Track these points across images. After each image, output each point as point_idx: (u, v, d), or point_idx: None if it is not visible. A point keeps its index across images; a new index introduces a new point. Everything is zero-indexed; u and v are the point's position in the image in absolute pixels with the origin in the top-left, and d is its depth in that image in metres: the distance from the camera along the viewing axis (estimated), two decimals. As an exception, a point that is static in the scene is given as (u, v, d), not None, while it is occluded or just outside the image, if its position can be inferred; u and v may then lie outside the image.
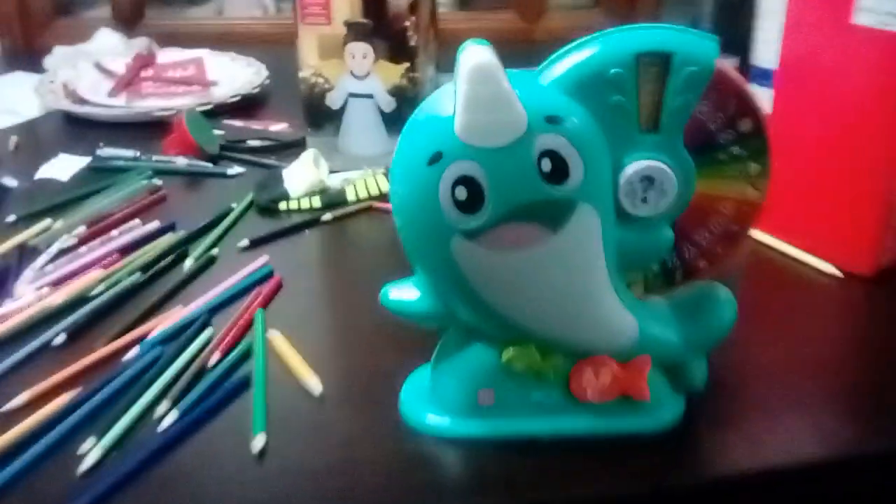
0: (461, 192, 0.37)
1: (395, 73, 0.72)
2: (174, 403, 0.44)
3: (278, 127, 0.87)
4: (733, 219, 0.40)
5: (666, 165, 0.38)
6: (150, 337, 0.51)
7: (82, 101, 0.91)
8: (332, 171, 0.73)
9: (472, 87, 0.35)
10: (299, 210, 0.69)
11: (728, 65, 0.38)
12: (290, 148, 0.80)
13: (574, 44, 0.37)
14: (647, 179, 0.38)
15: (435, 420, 0.43)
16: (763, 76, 0.85)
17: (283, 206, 0.69)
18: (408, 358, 0.46)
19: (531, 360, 0.41)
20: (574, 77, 0.37)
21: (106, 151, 0.79)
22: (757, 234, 0.61)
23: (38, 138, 0.88)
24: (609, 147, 0.37)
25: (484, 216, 0.37)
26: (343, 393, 0.46)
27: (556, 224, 0.37)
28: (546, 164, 0.36)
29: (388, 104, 0.73)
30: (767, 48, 0.61)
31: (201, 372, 0.48)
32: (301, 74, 0.74)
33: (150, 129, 0.83)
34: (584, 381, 0.41)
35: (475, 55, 0.35)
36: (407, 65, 0.72)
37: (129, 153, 0.79)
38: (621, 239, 0.39)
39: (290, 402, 0.46)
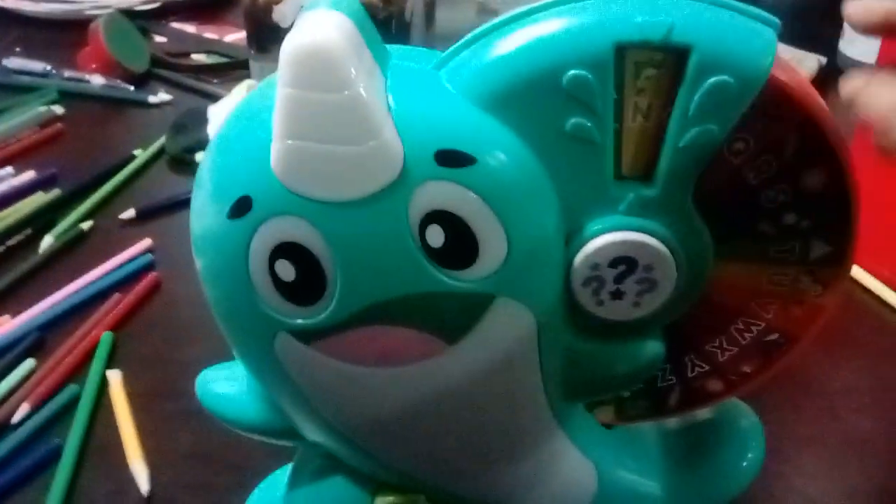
0: (285, 269, 0.21)
1: (361, -15, 0.55)
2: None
3: (235, 37, 0.69)
4: (774, 325, 0.23)
5: (658, 240, 0.21)
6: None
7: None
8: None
9: (296, 91, 0.19)
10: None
11: (796, 71, 0.20)
12: (238, 69, 0.63)
13: (504, 18, 0.20)
14: (625, 262, 0.21)
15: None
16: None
17: (199, 157, 0.53)
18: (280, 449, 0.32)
19: (419, 514, 0.25)
20: (499, 82, 0.20)
21: (14, 62, 0.64)
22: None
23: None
24: (561, 205, 0.21)
25: (325, 310, 0.21)
26: (181, 494, 0.32)
27: (454, 331, 0.21)
28: (435, 236, 0.20)
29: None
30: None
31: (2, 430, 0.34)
32: (241, -20, 0.57)
33: (84, 33, 0.67)
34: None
35: (309, 29, 0.19)
36: (378, -26, 0.54)
37: (40, 66, 0.63)
38: (576, 350, 0.23)
39: (103, 494, 0.32)
